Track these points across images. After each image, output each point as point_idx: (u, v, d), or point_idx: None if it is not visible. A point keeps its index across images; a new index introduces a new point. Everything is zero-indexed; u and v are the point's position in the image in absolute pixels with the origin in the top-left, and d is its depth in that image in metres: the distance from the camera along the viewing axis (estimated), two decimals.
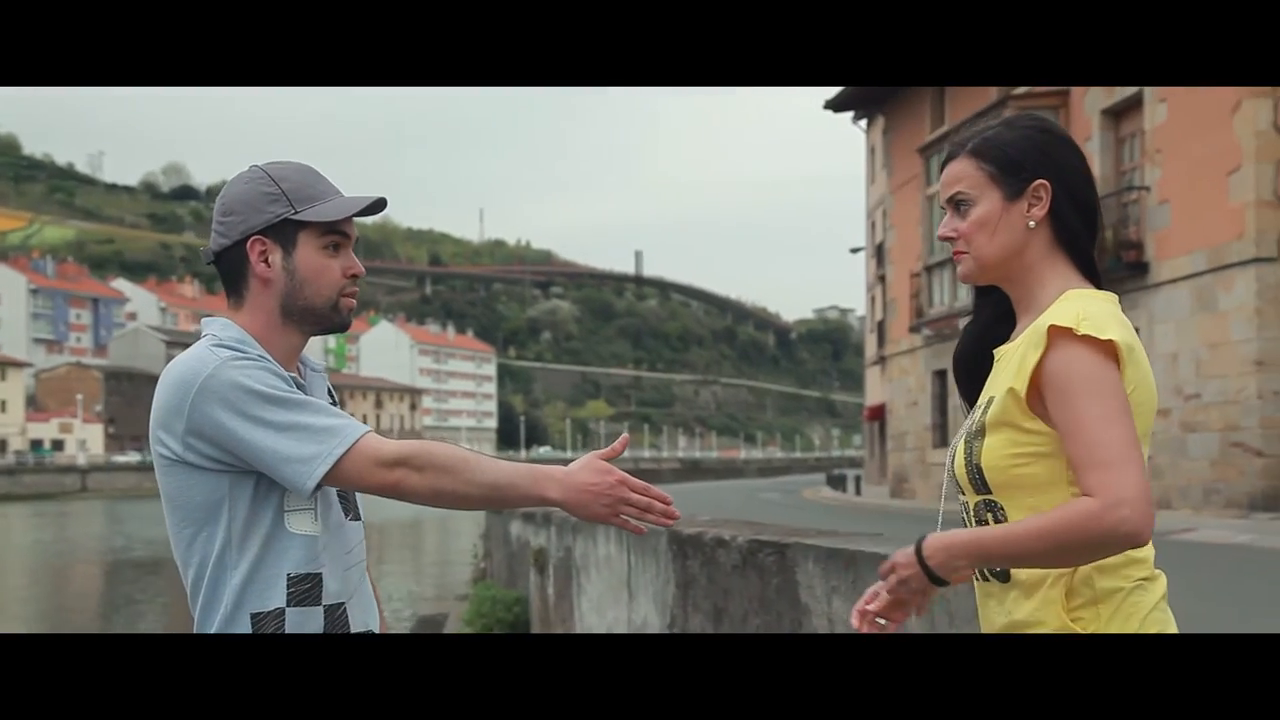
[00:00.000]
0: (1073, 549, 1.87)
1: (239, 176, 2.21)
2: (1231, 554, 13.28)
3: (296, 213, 2.15)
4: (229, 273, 2.19)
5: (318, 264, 2.17)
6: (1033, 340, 1.95)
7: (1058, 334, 1.92)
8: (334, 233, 2.18)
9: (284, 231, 2.15)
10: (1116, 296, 2.06)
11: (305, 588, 2.12)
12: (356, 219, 2.22)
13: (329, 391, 2.31)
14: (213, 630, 2.11)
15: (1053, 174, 2.06)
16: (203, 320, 2.22)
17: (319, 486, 2.05)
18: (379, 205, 2.21)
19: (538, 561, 10.77)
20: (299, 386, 2.17)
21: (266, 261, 2.15)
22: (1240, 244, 18.25)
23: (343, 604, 2.17)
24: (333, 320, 2.20)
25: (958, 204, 2.09)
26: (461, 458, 2.08)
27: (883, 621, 2.01)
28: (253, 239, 2.15)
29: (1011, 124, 2.11)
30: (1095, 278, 2.08)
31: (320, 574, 2.14)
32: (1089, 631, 1.94)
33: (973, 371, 2.17)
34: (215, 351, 2.10)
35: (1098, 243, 2.11)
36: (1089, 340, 1.91)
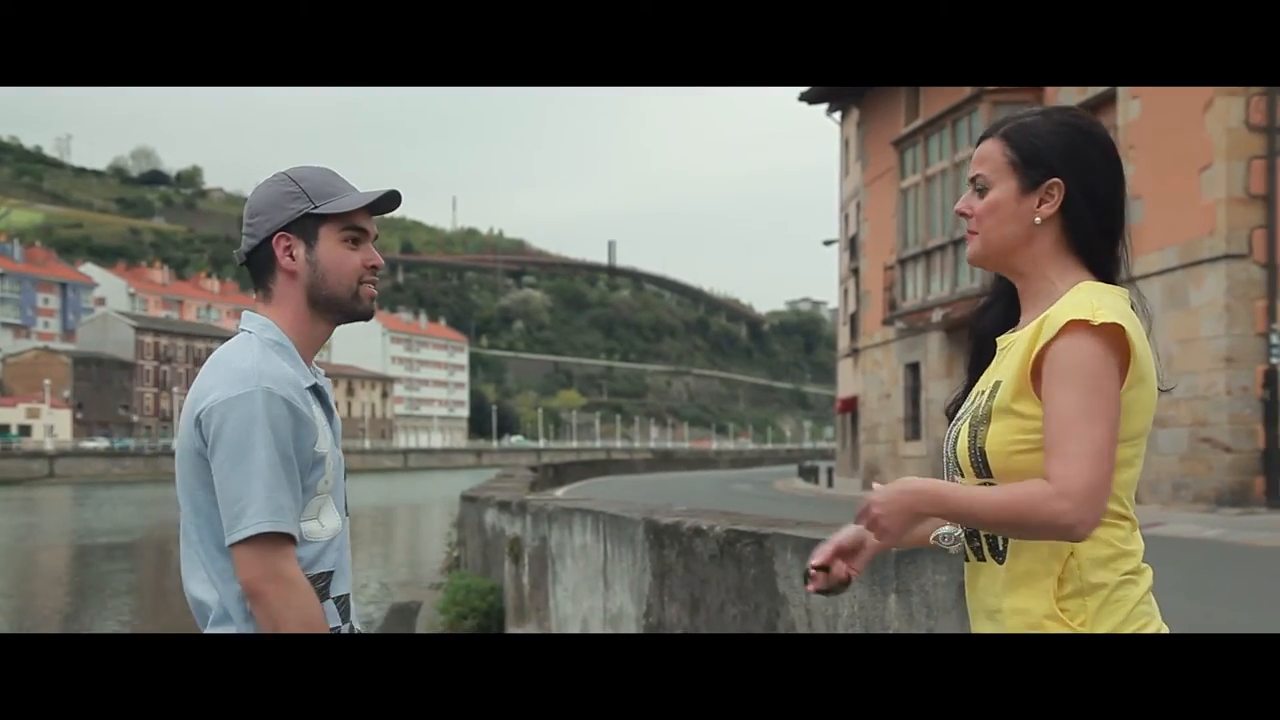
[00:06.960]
0: (1018, 527, 1.93)
1: (264, 182, 2.37)
2: (1200, 548, 13.39)
3: (315, 207, 2.29)
4: (259, 270, 2.33)
5: (338, 255, 2.31)
6: (1044, 329, 1.97)
7: (1070, 325, 1.93)
8: (352, 227, 2.32)
9: (305, 226, 2.30)
10: (1128, 292, 2.07)
11: (320, 585, 2.23)
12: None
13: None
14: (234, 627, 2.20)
15: (1072, 174, 2.05)
16: (244, 314, 2.36)
17: (240, 543, 2.13)
18: (394, 199, 2.37)
19: (513, 550, 10.76)
20: (316, 389, 2.30)
21: (291, 255, 2.30)
22: (1211, 240, 18.39)
23: (346, 595, 2.31)
24: (355, 309, 2.35)
25: (977, 185, 2.11)
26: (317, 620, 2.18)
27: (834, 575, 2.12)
28: (278, 235, 2.29)
29: (1049, 115, 2.11)
30: (1108, 279, 2.08)
31: (332, 571, 2.27)
32: (1075, 622, 1.97)
33: (983, 354, 2.18)
34: (262, 370, 2.19)
35: (1121, 243, 2.10)
36: (1096, 332, 1.93)
